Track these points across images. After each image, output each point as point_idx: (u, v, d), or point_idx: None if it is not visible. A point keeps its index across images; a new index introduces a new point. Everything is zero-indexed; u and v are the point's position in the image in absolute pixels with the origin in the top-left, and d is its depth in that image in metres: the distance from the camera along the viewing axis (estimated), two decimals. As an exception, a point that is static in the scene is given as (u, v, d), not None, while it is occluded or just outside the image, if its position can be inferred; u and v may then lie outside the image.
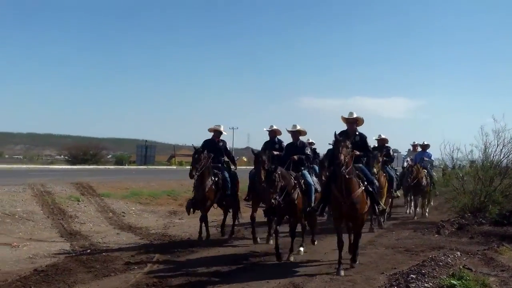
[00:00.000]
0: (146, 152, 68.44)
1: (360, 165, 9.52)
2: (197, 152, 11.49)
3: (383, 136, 15.96)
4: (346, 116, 9.88)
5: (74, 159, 62.33)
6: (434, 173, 19.62)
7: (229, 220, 13.10)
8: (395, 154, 20.84)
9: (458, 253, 9.60)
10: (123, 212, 15.81)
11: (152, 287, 7.68)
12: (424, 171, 17.73)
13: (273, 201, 9.25)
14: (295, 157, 10.80)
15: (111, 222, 14.57)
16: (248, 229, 13.10)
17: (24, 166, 42.67)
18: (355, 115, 9.84)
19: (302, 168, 10.91)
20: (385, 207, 12.94)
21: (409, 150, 20.63)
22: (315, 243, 11.60)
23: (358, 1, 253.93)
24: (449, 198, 17.71)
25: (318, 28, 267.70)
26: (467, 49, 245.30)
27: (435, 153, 18.98)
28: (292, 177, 10.13)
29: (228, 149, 13.14)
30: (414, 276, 7.49)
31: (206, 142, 12.51)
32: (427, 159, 18.50)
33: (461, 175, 17.67)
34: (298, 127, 11.33)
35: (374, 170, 12.27)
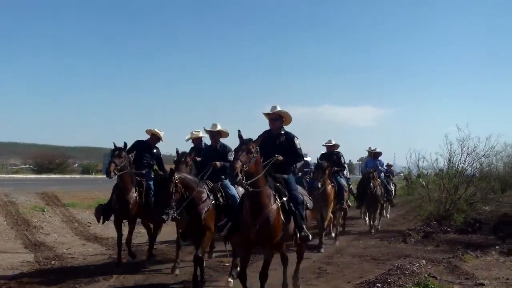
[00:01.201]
0: (113, 161, 67.47)
1: (286, 176, 7.59)
2: (117, 148, 9.72)
3: (333, 142, 13.97)
4: (268, 111, 7.92)
5: (39, 168, 61.33)
6: (392, 183, 20.00)
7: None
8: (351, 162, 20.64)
9: (424, 261, 9.70)
10: (89, 222, 15.53)
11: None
12: (378, 180, 16.23)
13: (164, 216, 7.69)
14: (218, 163, 9.02)
15: (77, 233, 14.34)
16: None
17: (-13, 175, 41.77)
18: (278, 108, 7.87)
19: (223, 177, 9.16)
20: (326, 227, 13.05)
21: (364, 157, 19.67)
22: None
23: (326, 12, 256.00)
24: (415, 206, 17.94)
25: (286, 38, 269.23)
26: (433, 59, 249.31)
27: (401, 161, 19.20)
28: (205, 188, 8.54)
29: (162, 159, 11.14)
30: (380, 285, 7.56)
31: (139, 143, 10.83)
32: (380, 167, 17.00)
33: (425, 183, 17.88)
34: (219, 127, 9.56)
35: (319, 184, 12.05)
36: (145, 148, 10.75)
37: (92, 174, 60.82)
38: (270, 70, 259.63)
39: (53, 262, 10.32)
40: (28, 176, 45.17)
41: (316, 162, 13.19)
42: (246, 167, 6.28)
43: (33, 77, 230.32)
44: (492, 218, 16.08)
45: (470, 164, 17.08)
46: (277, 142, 7.78)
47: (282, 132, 7.90)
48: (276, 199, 6.88)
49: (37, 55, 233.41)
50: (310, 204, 8.10)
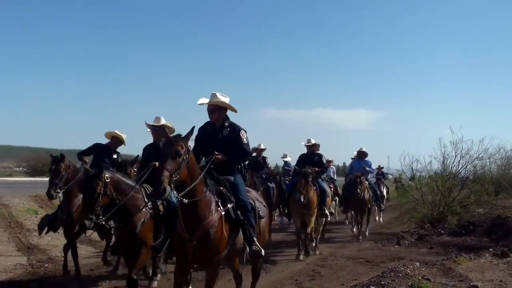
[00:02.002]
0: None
1: (232, 177, 6.37)
2: (55, 161, 8.87)
3: (313, 141, 12.70)
4: (206, 101, 6.57)
5: (33, 171, 61.09)
6: (383, 186, 19.76)
7: None
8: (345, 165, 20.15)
9: (417, 263, 9.69)
10: (82, 225, 15.47)
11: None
12: (366, 183, 14.96)
13: (87, 221, 6.51)
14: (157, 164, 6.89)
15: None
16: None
17: (-19, 178, 41.65)
18: (218, 97, 6.57)
19: None
20: (309, 235, 11.80)
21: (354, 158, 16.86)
22: None
23: (321, 15, 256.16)
24: (409, 208, 17.94)
25: (280, 40, 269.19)
26: (427, 63, 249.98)
27: (395, 164, 19.16)
28: (143, 193, 7.32)
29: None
30: (373, 287, 7.55)
31: (97, 147, 9.59)
32: (368, 168, 15.85)
33: (419, 186, 17.88)
34: (163, 121, 8.30)
35: (301, 197, 10.83)
36: (104, 153, 9.52)
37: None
38: (263, 73, 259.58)
39: (46, 265, 10.27)
40: (21, 179, 45.02)
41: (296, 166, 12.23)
42: (176, 176, 5.07)
43: (27, 79, 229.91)
44: (485, 220, 16.08)
45: (464, 167, 17.14)
46: (219, 136, 6.51)
47: (226, 124, 6.59)
48: (219, 206, 5.74)
49: (31, 57, 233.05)
50: (263, 211, 6.80)
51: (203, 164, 5.85)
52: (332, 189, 14.48)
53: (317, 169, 11.68)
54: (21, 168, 79.91)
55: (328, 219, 13.74)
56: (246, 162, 7.55)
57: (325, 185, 12.31)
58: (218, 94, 6.56)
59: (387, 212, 22.63)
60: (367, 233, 15.47)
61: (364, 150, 16.21)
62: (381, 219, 19.46)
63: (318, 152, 12.71)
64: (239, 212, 6.03)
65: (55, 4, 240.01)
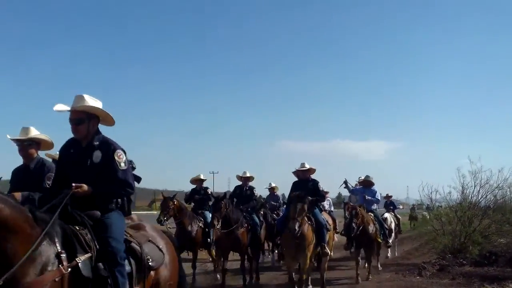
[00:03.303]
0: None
1: (100, 214, 4.59)
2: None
3: (307, 166, 10.99)
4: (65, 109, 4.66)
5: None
6: (393, 216, 18.17)
7: None
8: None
9: (440, 294, 9.62)
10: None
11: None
12: (371, 215, 13.02)
13: None
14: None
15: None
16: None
17: None
18: (86, 101, 4.70)
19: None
20: (306, 278, 10.18)
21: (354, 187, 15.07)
22: None
23: (335, 41, 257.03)
24: (429, 239, 17.78)
25: (298, 71, 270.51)
26: (444, 93, 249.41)
27: (414, 194, 18.91)
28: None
29: None
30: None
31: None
32: (368, 198, 13.50)
33: (438, 217, 17.71)
34: (33, 134, 6.03)
35: (296, 225, 9.05)
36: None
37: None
38: (280, 105, 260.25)
39: None
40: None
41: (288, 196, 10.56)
42: None
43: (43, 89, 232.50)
44: (508, 250, 15.88)
45: (484, 196, 16.97)
46: (88, 162, 4.68)
47: (96, 142, 4.75)
48: (61, 261, 3.88)
49: (39, 64, 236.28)
50: (157, 259, 4.95)
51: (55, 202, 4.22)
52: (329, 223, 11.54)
53: (310, 198, 9.86)
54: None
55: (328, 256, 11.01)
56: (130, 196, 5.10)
57: (322, 216, 10.52)
58: (86, 97, 4.75)
59: (407, 243, 22.43)
60: (379, 267, 14.25)
61: (370, 179, 13.96)
62: (388, 255, 17.86)
63: (313, 178, 11.02)
64: (100, 265, 4.21)
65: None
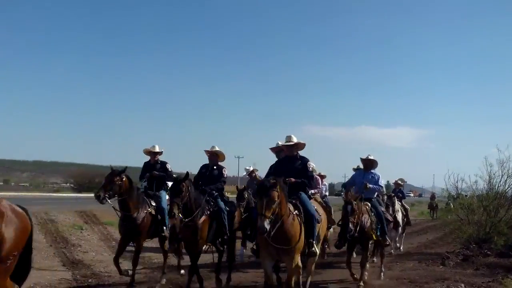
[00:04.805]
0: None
1: None
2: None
3: (295, 140, 8.43)
4: None
5: (79, 187, 62.44)
6: (400, 207, 15.93)
7: None
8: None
9: (462, 285, 9.53)
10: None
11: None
12: (367, 205, 10.46)
13: None
14: None
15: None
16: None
17: (30, 193, 42.79)
18: None
19: None
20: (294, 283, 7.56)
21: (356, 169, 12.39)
22: None
23: (362, 28, 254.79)
24: (454, 228, 17.60)
25: (320, 57, 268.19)
26: (474, 80, 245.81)
27: (440, 183, 18.55)
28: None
29: None
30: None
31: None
32: (370, 185, 10.75)
33: (464, 205, 17.46)
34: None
35: (265, 222, 6.65)
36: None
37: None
38: (305, 89, 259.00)
39: (90, 280, 10.47)
40: (68, 194, 46.04)
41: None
42: None
43: (73, 98, 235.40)
44: (533, 241, 15.64)
45: (511, 186, 16.72)
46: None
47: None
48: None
49: (75, 74, 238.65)
50: None
51: None
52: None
53: (293, 179, 7.87)
54: (68, 184, 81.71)
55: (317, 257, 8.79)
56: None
57: (311, 205, 8.07)
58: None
59: (431, 232, 22.22)
60: (383, 269, 11.44)
61: (372, 157, 11.24)
62: (392, 250, 15.46)
63: (302, 156, 8.59)
64: None
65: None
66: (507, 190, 16.77)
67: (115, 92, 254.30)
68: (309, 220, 7.67)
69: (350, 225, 9.41)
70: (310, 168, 8.47)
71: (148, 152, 11.12)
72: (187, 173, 8.83)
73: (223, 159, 10.33)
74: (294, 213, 7.39)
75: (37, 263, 12.01)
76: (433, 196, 39.14)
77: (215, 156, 10.19)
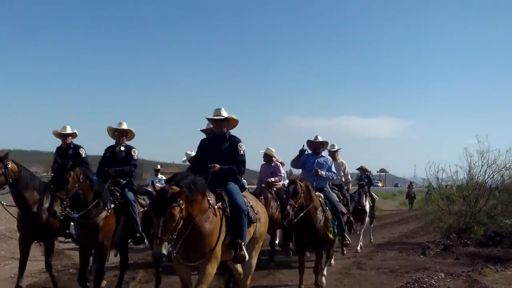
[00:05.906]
0: (133, 170, 68.21)
1: None
2: None
3: (225, 115, 6.96)
4: None
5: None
6: (366, 197, 14.58)
7: None
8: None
9: (442, 274, 9.58)
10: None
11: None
12: (320, 196, 8.67)
13: None
14: None
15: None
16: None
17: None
18: None
19: None
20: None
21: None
22: None
23: (346, 21, 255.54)
24: (434, 218, 17.75)
25: (304, 47, 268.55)
26: (455, 71, 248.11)
27: (421, 173, 18.64)
28: None
29: None
30: (397, 298, 7.47)
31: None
32: (323, 172, 9.11)
33: (443, 195, 17.59)
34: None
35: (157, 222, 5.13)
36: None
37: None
38: (286, 80, 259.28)
39: (71, 270, 10.37)
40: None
41: None
42: None
43: (55, 86, 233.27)
44: (512, 231, 15.82)
45: (491, 177, 16.86)
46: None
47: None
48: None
49: (57, 65, 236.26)
50: None
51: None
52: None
53: (218, 166, 6.47)
54: (49, 173, 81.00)
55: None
56: None
57: (243, 199, 6.50)
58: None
59: (411, 222, 22.38)
60: (324, 280, 8.86)
61: (321, 139, 9.64)
62: (358, 248, 13.87)
63: (232, 135, 7.07)
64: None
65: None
66: (486, 180, 16.94)
67: (99, 80, 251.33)
68: (236, 215, 6.21)
69: (289, 207, 7.64)
70: (242, 151, 6.83)
71: (59, 135, 9.13)
72: (81, 159, 7.93)
73: (132, 137, 8.59)
74: (216, 206, 5.99)
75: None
76: (410, 185, 39.18)
77: (121, 134, 8.41)
